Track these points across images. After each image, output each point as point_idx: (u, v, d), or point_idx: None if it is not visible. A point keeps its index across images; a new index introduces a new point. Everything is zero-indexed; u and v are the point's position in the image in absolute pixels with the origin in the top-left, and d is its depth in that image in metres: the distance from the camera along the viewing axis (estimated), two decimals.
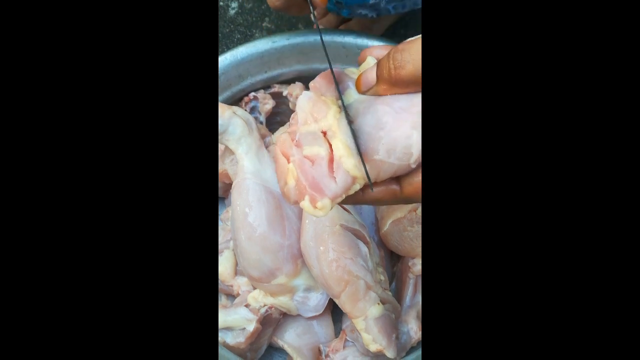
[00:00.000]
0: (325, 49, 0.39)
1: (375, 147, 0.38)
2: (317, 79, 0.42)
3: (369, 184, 0.38)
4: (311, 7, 0.41)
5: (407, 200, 0.40)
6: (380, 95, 0.39)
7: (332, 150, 0.39)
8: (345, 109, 0.39)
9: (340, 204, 0.40)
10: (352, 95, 0.40)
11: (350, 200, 0.40)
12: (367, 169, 0.38)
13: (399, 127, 0.38)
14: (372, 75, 0.39)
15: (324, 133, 0.39)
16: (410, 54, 0.36)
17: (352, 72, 0.42)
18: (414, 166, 0.38)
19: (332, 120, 0.39)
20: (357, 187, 0.39)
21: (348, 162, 0.38)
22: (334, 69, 0.42)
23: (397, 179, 0.39)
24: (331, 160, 0.39)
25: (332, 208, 0.38)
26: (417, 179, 0.39)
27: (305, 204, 0.38)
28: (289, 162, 0.39)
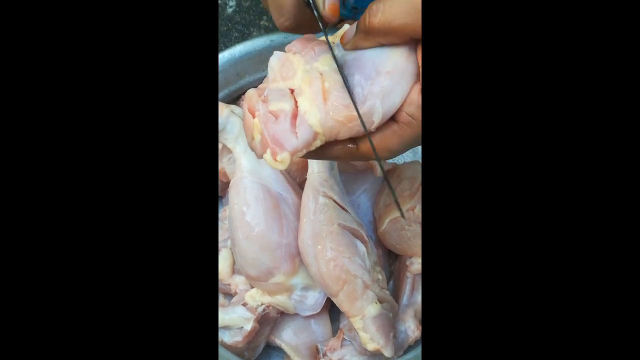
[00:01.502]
0: (336, 59, 0.40)
1: (341, 109, 0.38)
2: (294, 42, 0.43)
3: (367, 135, 0.39)
4: (321, 25, 0.41)
5: (363, 157, 0.41)
6: (357, 47, 0.40)
7: (297, 106, 0.39)
8: (334, 55, 0.40)
9: (303, 158, 0.41)
10: (327, 60, 0.41)
11: (311, 155, 0.41)
12: (329, 126, 0.39)
13: (365, 99, 0.38)
14: (353, 29, 0.40)
15: (292, 91, 0.40)
16: (384, 4, 0.37)
17: (330, 38, 0.43)
18: (372, 130, 0.39)
19: (300, 80, 0.40)
20: (319, 143, 0.39)
21: (312, 117, 0.39)
22: (310, 35, 0.43)
23: (354, 138, 0.40)
24: (294, 115, 0.39)
25: (291, 161, 0.39)
26: (374, 137, 0.40)
27: (266, 156, 0.39)
28: (254, 117, 0.40)
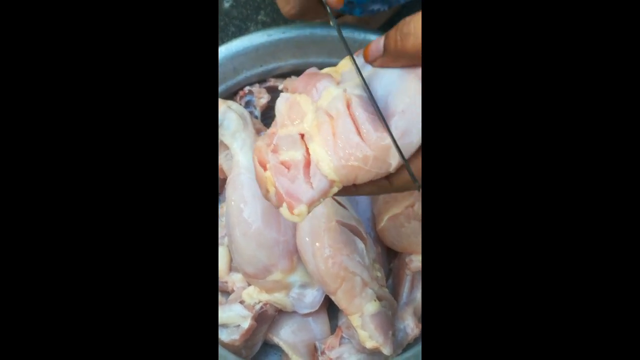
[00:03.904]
0: (347, 46, 0.39)
1: (353, 152, 0.37)
2: (297, 80, 0.42)
3: (411, 176, 0.37)
4: (328, 9, 0.40)
5: (398, 190, 0.40)
6: (386, 66, 0.39)
7: (308, 154, 0.38)
8: (363, 78, 0.38)
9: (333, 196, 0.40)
10: (331, 93, 0.39)
11: (342, 194, 0.40)
12: (345, 173, 0.37)
13: (380, 139, 0.37)
14: (379, 45, 0.39)
15: (302, 136, 0.39)
16: (414, 25, 0.36)
17: (331, 70, 0.42)
18: (393, 171, 0.38)
19: (310, 122, 0.39)
20: (336, 189, 0.38)
21: (325, 165, 0.37)
22: (312, 69, 0.42)
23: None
24: (307, 164, 0.38)
25: (310, 212, 0.38)
26: (405, 173, 0.38)
27: (283, 211, 0.38)
28: (265, 170, 0.39)
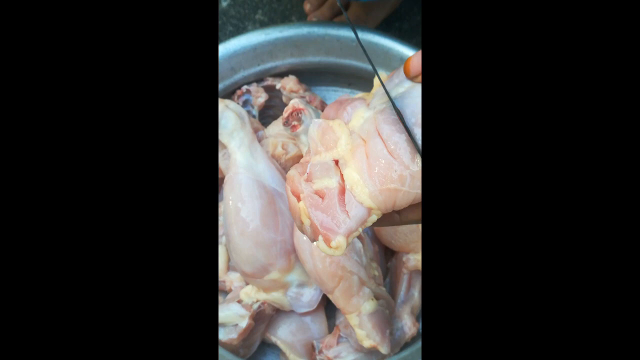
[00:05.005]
0: (362, 46, 0.37)
1: (388, 175, 0.35)
2: (327, 108, 0.40)
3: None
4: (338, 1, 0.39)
5: None
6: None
7: (343, 180, 0.36)
8: (387, 93, 0.36)
9: (375, 227, 0.37)
10: (360, 117, 0.38)
11: (385, 223, 0.37)
12: (383, 198, 0.35)
13: (413, 153, 0.35)
14: (418, 60, 0.37)
15: (336, 162, 0.37)
16: None
17: (360, 96, 0.40)
18: None
19: (344, 147, 0.37)
20: (375, 218, 0.36)
21: (361, 192, 0.35)
22: (344, 95, 0.40)
23: None
24: (342, 191, 0.36)
25: (349, 243, 0.36)
26: None
27: (320, 244, 0.35)
28: (299, 201, 0.36)
